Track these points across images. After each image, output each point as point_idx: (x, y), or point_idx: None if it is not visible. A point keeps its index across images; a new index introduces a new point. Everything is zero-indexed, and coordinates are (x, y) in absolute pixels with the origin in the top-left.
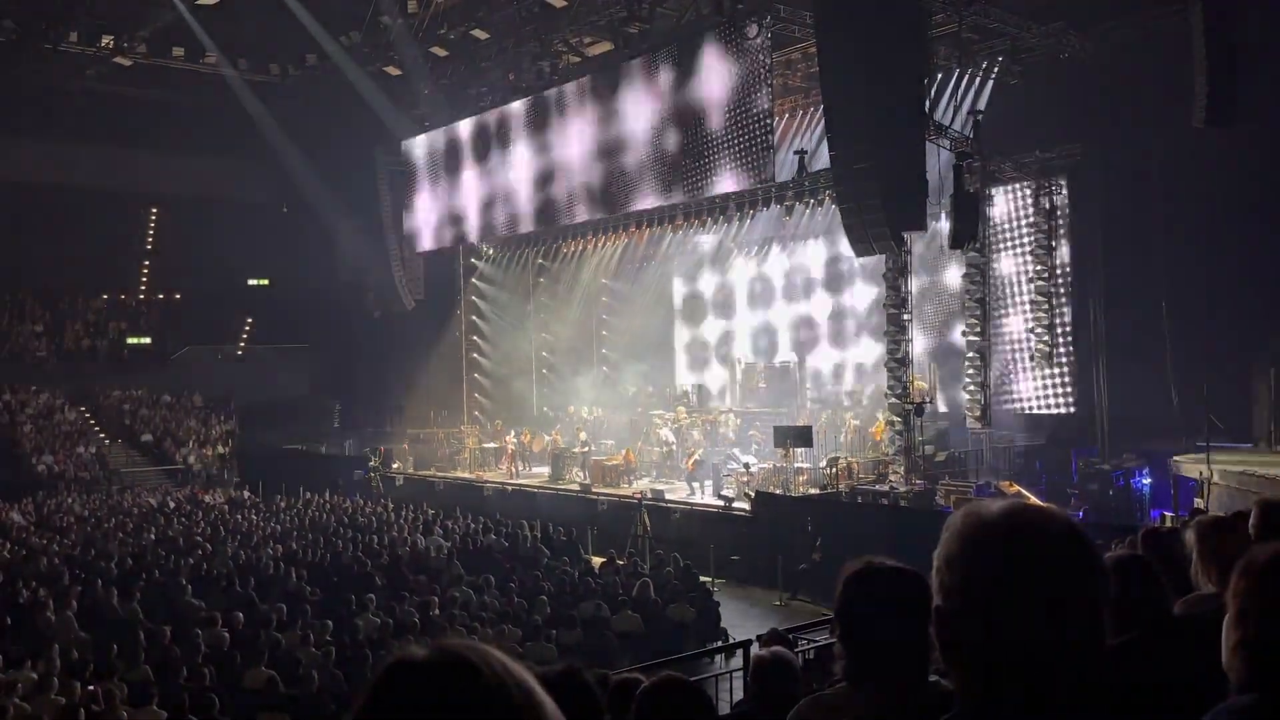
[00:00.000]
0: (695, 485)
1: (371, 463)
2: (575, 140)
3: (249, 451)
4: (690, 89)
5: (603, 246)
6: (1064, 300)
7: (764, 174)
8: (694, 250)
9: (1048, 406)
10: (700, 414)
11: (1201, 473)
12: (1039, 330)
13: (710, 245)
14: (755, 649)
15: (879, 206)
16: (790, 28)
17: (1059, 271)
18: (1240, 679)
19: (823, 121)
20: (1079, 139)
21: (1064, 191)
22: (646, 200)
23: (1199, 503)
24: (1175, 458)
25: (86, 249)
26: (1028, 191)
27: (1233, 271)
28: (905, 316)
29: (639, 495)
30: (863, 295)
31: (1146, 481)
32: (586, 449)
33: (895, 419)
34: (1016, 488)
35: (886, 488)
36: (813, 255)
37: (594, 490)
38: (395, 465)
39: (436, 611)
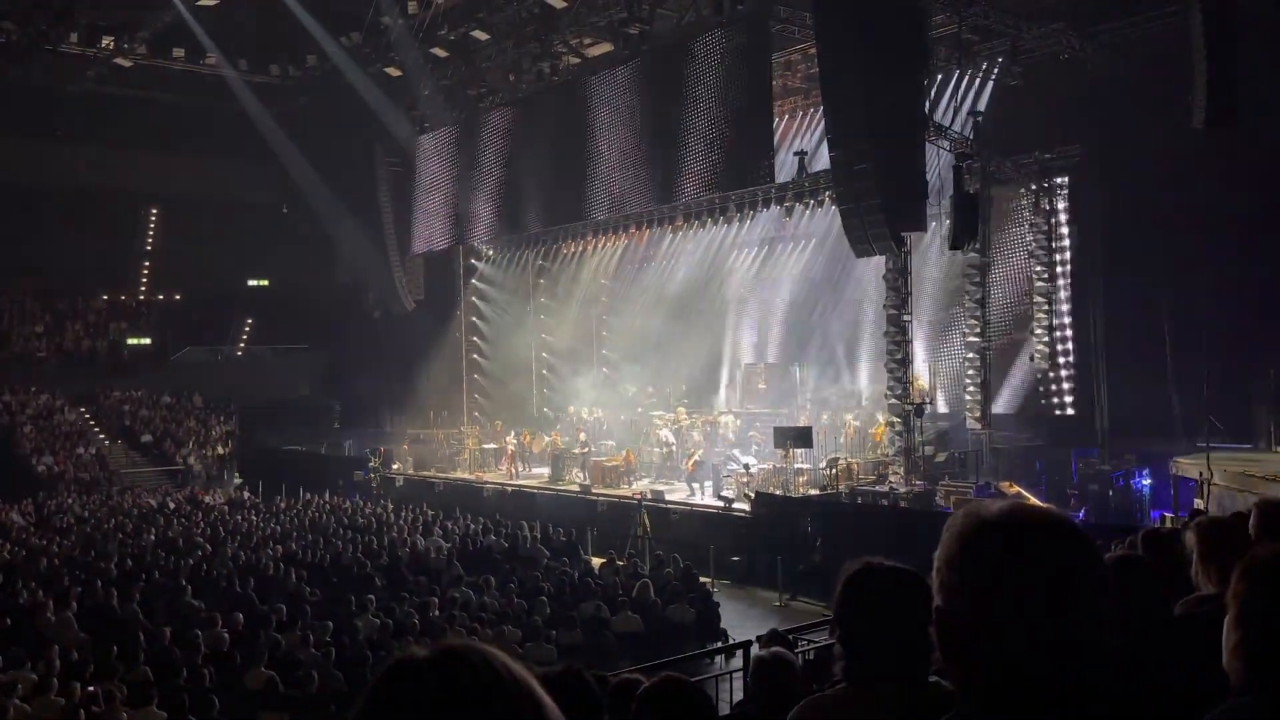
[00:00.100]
0: (695, 486)
1: (371, 463)
2: (576, 140)
3: (249, 452)
4: (690, 89)
5: (603, 247)
6: (1064, 301)
7: (764, 175)
8: (694, 250)
9: (1048, 407)
10: (700, 415)
11: (1201, 473)
12: (1039, 331)
13: (710, 245)
14: (755, 649)
15: (879, 207)
16: (790, 28)
17: (1059, 272)
18: (1240, 679)
19: (823, 122)
20: (1079, 139)
21: (1064, 192)
22: (646, 201)
23: (1199, 503)
24: (1175, 459)
25: (86, 249)
26: (1027, 192)
27: (1233, 272)
28: (905, 317)
29: (639, 496)
30: (862, 295)
31: (1146, 482)
32: (586, 450)
33: (895, 419)
34: (1016, 488)
35: (886, 488)
36: (813, 255)
37: (594, 491)
38: (395, 466)
39: (436, 612)
